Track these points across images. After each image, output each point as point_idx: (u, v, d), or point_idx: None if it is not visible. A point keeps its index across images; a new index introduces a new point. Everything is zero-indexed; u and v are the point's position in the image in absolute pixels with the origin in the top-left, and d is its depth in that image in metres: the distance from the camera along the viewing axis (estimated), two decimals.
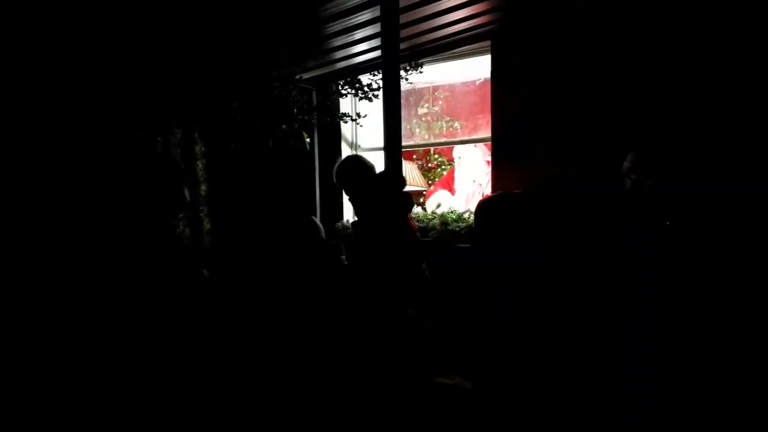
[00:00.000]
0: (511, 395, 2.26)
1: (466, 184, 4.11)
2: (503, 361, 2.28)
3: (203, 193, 3.12)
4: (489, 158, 4.06)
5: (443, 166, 4.93)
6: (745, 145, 2.33)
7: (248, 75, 3.04)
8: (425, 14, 2.64)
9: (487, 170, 4.05)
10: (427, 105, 4.47)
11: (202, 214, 3.12)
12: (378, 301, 2.46)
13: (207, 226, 3.12)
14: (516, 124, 3.09)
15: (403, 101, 4.38)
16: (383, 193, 2.55)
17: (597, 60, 2.72)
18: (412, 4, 2.47)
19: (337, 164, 2.92)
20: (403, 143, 4.43)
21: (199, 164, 3.12)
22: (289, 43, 3.09)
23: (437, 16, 2.68)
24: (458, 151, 4.23)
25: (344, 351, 2.60)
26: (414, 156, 5.01)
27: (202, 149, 3.04)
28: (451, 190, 4.22)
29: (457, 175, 4.22)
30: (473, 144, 4.08)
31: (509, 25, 2.94)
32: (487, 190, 4.03)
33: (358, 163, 2.89)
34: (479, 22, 2.84)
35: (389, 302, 2.43)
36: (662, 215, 2.15)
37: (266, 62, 3.08)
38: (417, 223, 3.59)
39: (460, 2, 2.50)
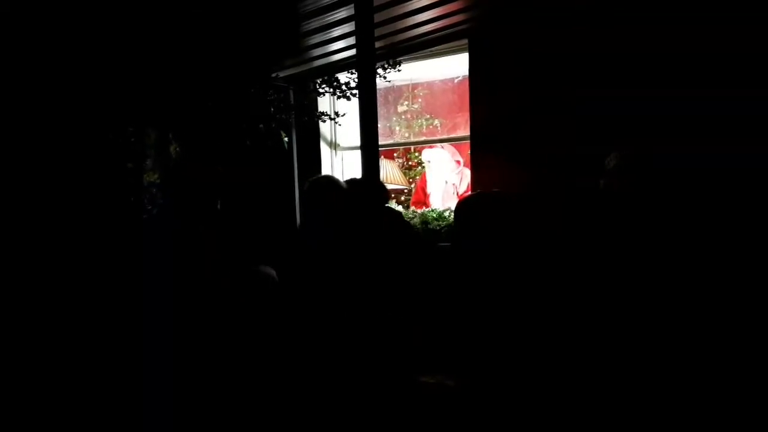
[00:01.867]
0: (495, 393, 2.26)
1: (439, 186, 4.13)
2: (488, 359, 2.28)
3: None
4: (457, 158, 4.09)
5: (423, 164, 4.92)
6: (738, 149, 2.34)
7: (224, 73, 2.99)
8: (400, 12, 2.63)
9: (457, 169, 4.07)
10: (406, 103, 4.46)
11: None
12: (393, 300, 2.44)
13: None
14: (494, 122, 3.09)
15: (382, 99, 4.39)
16: (378, 198, 2.55)
17: (574, 58, 2.74)
18: (387, 2, 2.45)
19: (316, 184, 2.79)
20: (384, 141, 4.44)
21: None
22: (265, 41, 3.05)
23: (412, 15, 2.67)
24: (427, 154, 4.24)
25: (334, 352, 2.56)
26: (394, 154, 5.00)
27: (177, 149, 2.99)
28: (426, 195, 4.23)
29: (428, 178, 4.22)
30: (440, 145, 4.10)
31: (485, 24, 2.94)
32: (461, 189, 4.05)
33: (334, 178, 2.89)
34: (455, 21, 2.84)
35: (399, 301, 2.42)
36: (650, 210, 2.15)
37: (242, 60, 3.04)
38: None
39: (435, 1, 2.49)
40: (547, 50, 2.82)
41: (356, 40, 1.99)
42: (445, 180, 4.09)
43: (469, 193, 3.25)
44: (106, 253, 2.71)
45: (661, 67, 2.51)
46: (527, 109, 2.94)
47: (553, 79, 2.82)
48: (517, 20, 2.87)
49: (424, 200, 4.20)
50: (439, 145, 4.13)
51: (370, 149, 2.10)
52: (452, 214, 3.25)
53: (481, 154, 3.20)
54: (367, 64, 2.00)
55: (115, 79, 2.74)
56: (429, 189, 4.20)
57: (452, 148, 4.11)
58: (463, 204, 2.62)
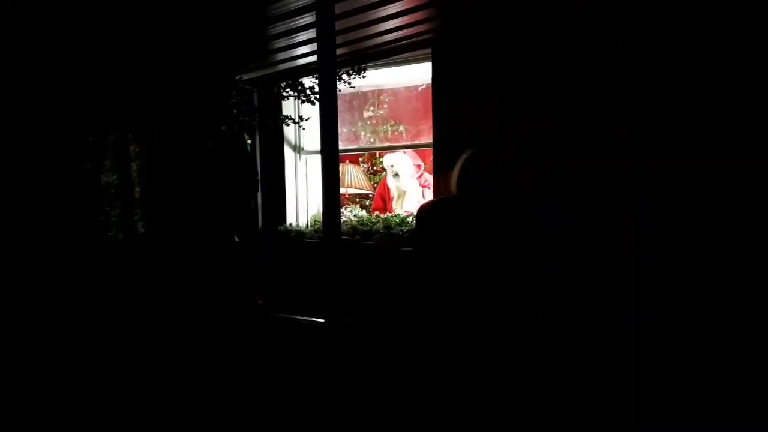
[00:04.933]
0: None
1: (400, 190, 4.20)
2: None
3: (137, 195, 3.02)
4: (418, 162, 4.16)
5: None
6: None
7: (187, 74, 2.96)
8: (364, 21, 2.66)
9: (418, 173, 4.14)
10: (372, 108, 4.50)
11: (136, 218, 3.02)
12: None
13: (141, 229, 3.02)
14: (457, 129, 3.15)
15: (347, 104, 4.42)
16: None
17: (537, 67, 2.79)
18: (350, 10, 2.48)
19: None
20: (349, 147, 4.46)
21: (134, 166, 3.02)
22: (230, 42, 3.03)
23: (376, 23, 2.70)
24: (388, 159, 4.29)
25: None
26: (360, 159, 5.04)
27: (136, 150, 2.94)
28: (384, 202, 4.27)
29: (389, 183, 4.27)
30: (402, 150, 4.15)
31: (448, 33, 3.00)
32: (422, 193, 4.11)
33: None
34: (418, 30, 2.88)
35: None
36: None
37: (206, 61, 3.01)
38: (361, 227, 3.60)
39: (398, 11, 2.53)
40: (510, 59, 2.88)
41: (317, 46, 2.01)
42: (407, 184, 4.15)
43: (431, 199, 3.31)
44: (58, 255, 2.65)
45: (624, 73, 2.55)
46: (490, 117, 3.00)
47: (516, 87, 2.88)
48: (479, 30, 2.94)
49: (383, 207, 4.24)
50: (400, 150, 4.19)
51: (330, 154, 2.12)
52: (414, 218, 3.29)
53: (444, 161, 3.25)
54: (328, 70, 2.02)
55: (76, 81, 2.70)
56: (391, 194, 4.24)
57: (413, 153, 4.18)
58: (426, 209, 2.65)
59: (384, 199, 4.28)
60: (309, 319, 2.43)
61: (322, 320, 2.37)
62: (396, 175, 4.18)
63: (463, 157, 2.17)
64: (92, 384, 2.51)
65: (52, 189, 2.76)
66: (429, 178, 4.04)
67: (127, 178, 2.97)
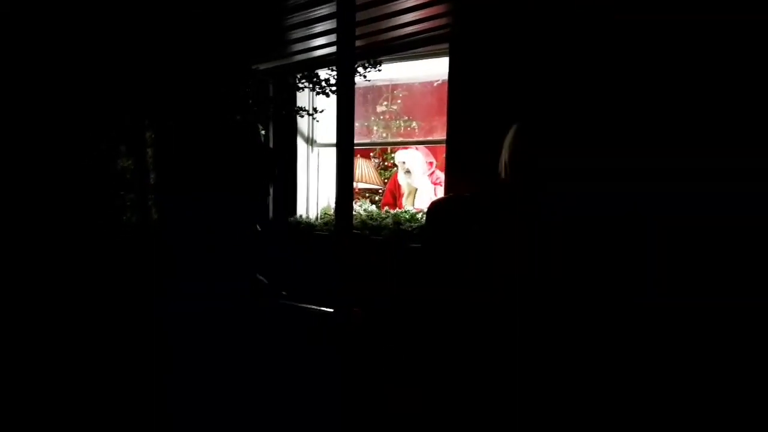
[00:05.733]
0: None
1: (411, 187, 4.18)
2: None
3: (152, 181, 3.04)
4: (430, 159, 4.13)
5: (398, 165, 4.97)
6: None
7: (205, 63, 2.98)
8: (382, 13, 2.65)
9: (430, 171, 4.11)
10: (385, 103, 4.49)
11: (150, 203, 3.04)
12: None
13: (155, 215, 3.04)
14: (471, 128, 3.14)
15: (361, 98, 4.42)
16: None
17: (554, 65, 2.78)
18: (367, 2, 2.47)
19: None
20: (361, 141, 4.46)
21: (149, 152, 3.03)
22: (248, 33, 3.04)
23: (395, 16, 2.69)
24: (400, 155, 4.25)
25: None
26: (371, 154, 5.03)
27: (152, 136, 2.96)
28: (395, 198, 4.25)
29: (400, 180, 4.25)
30: (414, 147, 4.13)
31: (467, 29, 2.99)
32: (434, 191, 4.09)
33: None
34: (436, 24, 2.87)
35: None
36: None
37: (224, 51, 3.02)
38: (371, 222, 3.60)
39: (417, 3, 2.52)
40: (528, 57, 2.86)
41: (337, 38, 2.00)
42: (418, 181, 4.13)
43: (442, 195, 3.30)
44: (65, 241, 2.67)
45: (638, 70, 2.53)
46: (505, 116, 2.98)
47: (533, 86, 2.86)
48: (498, 26, 2.92)
49: (393, 203, 4.23)
50: (412, 146, 4.16)
51: (346, 147, 2.12)
52: (424, 215, 3.29)
53: (457, 158, 3.24)
54: (347, 61, 2.02)
55: (96, 73, 2.72)
56: (402, 190, 4.23)
57: (425, 150, 4.15)
58: (437, 206, 2.65)
59: (394, 195, 4.27)
60: (318, 308, 2.46)
61: (331, 309, 2.38)
62: (407, 171, 4.16)
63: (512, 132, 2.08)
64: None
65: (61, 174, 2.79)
66: (441, 175, 4.03)
67: (143, 164, 2.99)
